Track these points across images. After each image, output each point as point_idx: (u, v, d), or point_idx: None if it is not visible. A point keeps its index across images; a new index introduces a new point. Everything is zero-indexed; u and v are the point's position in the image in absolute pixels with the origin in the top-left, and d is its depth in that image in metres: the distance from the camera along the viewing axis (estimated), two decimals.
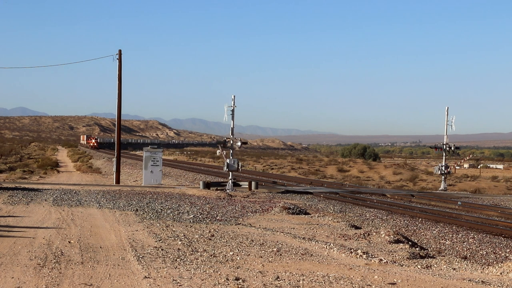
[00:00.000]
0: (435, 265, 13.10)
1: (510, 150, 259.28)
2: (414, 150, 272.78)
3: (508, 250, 16.70)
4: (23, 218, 16.73)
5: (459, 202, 28.97)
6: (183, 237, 13.95)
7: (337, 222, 19.85)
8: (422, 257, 14.16)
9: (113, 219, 17.10)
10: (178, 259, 11.09)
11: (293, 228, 17.51)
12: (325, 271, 10.47)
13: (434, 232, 19.55)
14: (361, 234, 16.56)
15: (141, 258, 11.12)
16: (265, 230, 16.03)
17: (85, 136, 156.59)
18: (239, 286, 9.08)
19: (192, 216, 18.80)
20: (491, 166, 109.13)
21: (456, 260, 14.57)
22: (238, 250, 12.47)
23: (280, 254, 12.14)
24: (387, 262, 12.08)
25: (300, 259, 11.76)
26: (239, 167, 32.15)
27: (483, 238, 18.52)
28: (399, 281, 9.91)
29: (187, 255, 11.61)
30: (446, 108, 38.58)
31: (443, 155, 40.02)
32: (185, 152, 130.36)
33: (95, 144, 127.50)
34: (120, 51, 35.91)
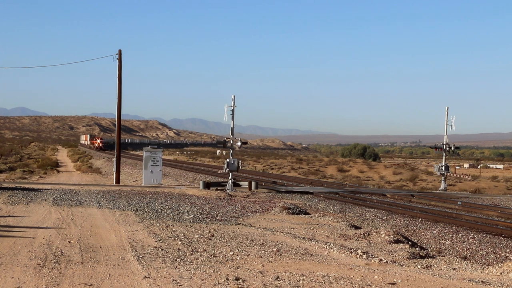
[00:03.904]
0: (435, 265, 13.10)
1: (510, 150, 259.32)
2: (414, 150, 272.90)
3: (508, 250, 16.70)
4: (23, 218, 16.73)
5: (459, 202, 28.97)
6: (183, 237, 13.95)
7: (337, 222, 19.85)
8: (422, 257, 14.16)
9: (113, 219, 17.10)
10: (178, 259, 11.09)
11: (293, 228, 17.50)
12: (325, 271, 10.47)
13: (434, 232, 19.55)
14: (361, 234, 16.55)
15: (141, 258, 11.12)
16: (265, 230, 16.03)
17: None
18: (239, 286, 9.08)
19: (192, 216, 18.80)
20: (491, 166, 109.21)
21: (456, 260, 14.57)
22: (238, 250, 12.47)
23: (280, 254, 12.14)
24: (387, 262, 12.08)
25: (300, 259, 11.76)
26: (239, 167, 32.16)
27: (483, 238, 18.53)
28: (399, 281, 9.91)
29: (187, 255, 11.61)
30: (446, 108, 38.60)
31: (443, 155, 40.03)
32: (185, 152, 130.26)
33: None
34: (120, 51, 35.92)
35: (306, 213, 22.52)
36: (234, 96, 31.86)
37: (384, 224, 20.97)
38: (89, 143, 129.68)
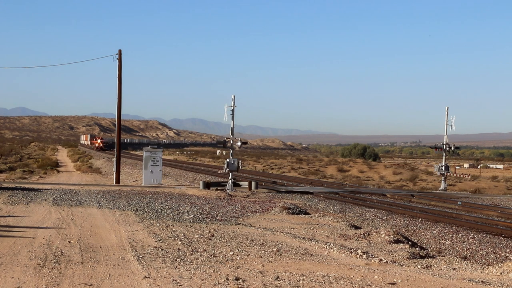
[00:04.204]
0: (435, 265, 13.09)
1: (510, 150, 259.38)
2: (414, 150, 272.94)
3: (508, 250, 16.71)
4: (23, 218, 16.73)
5: (459, 202, 28.97)
6: (183, 237, 13.95)
7: (337, 222, 19.85)
8: (422, 257, 14.16)
9: (113, 219, 17.10)
10: (178, 259, 11.09)
11: (293, 228, 17.50)
12: (325, 271, 10.47)
13: (434, 232, 19.56)
14: (361, 234, 16.55)
15: (141, 258, 11.12)
16: (265, 230, 16.03)
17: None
18: (239, 286, 9.08)
19: (192, 216, 18.80)
20: (491, 166, 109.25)
21: (456, 260, 14.56)
22: (238, 250, 12.47)
23: (280, 254, 12.14)
24: (387, 262, 12.08)
25: (300, 259, 11.76)
26: (239, 167, 32.15)
27: (483, 238, 18.53)
28: (399, 281, 9.91)
29: (187, 255, 11.61)
30: (446, 108, 38.59)
31: (443, 155, 40.03)
32: (185, 152, 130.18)
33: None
34: (120, 51, 35.92)
35: (306, 213, 22.51)
36: (234, 96, 31.87)
37: (384, 224, 20.98)
38: (89, 143, 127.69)
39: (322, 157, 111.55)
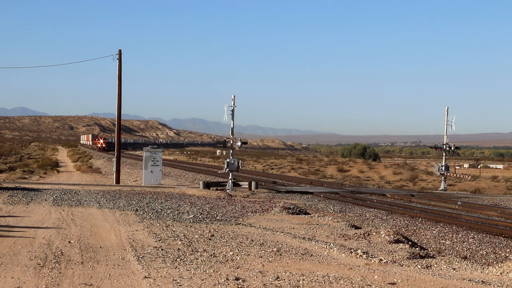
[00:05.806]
0: (435, 265, 13.09)
1: (510, 150, 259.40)
2: (414, 150, 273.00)
3: (508, 250, 16.71)
4: (23, 218, 16.73)
5: (459, 202, 28.97)
6: (183, 237, 13.95)
7: (337, 222, 19.85)
8: (422, 257, 14.16)
9: (113, 219, 17.10)
10: (178, 259, 11.09)
11: (293, 228, 17.50)
12: (325, 271, 10.47)
13: (434, 232, 19.56)
14: (361, 234, 16.55)
15: (141, 258, 11.12)
16: (265, 230, 16.03)
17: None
18: (239, 286, 9.08)
19: (192, 216, 18.80)
20: (491, 166, 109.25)
21: (456, 260, 14.57)
22: (238, 250, 12.47)
23: (280, 254, 12.14)
24: (387, 262, 12.08)
25: (300, 259, 11.76)
26: (239, 167, 32.15)
27: (483, 238, 18.53)
28: (399, 281, 9.91)
29: (187, 255, 11.61)
30: (446, 108, 38.58)
31: (443, 155, 40.02)
32: (185, 152, 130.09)
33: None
34: (120, 51, 35.91)
35: (306, 213, 22.51)
36: (234, 96, 31.87)
37: (384, 224, 20.98)
38: (91, 143, 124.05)
39: (322, 157, 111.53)
